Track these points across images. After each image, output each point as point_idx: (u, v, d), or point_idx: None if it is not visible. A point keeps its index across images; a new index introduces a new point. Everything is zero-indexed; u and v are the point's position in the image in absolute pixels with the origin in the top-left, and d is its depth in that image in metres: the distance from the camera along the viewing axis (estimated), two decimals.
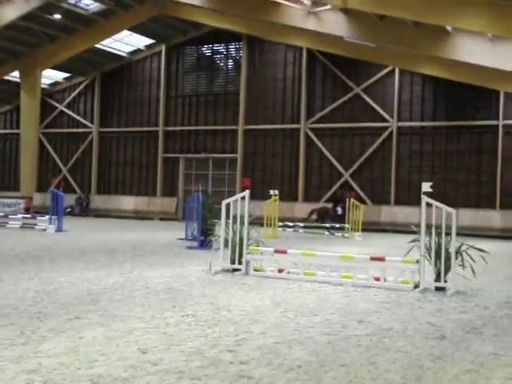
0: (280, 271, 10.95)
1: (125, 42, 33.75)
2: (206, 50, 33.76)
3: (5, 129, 38.15)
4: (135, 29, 31.63)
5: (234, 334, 6.32)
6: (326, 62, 30.01)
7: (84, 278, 10.01)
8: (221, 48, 33.41)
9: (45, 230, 21.10)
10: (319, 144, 30.10)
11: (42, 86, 35.65)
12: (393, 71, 28.77)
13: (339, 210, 25.91)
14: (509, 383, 4.91)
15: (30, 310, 7.14)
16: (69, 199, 31.88)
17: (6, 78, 35.30)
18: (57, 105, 36.87)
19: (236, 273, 11.09)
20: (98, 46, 32.77)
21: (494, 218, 26.42)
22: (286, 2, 23.36)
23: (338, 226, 24.36)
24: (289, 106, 31.13)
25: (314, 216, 26.23)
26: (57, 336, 5.93)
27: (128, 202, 34.29)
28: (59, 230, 20.92)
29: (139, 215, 33.28)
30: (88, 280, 9.76)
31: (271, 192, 22.84)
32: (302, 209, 29.57)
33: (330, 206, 27.06)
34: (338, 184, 29.56)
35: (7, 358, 5.11)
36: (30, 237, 18.69)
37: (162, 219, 32.61)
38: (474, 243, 10.36)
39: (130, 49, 34.62)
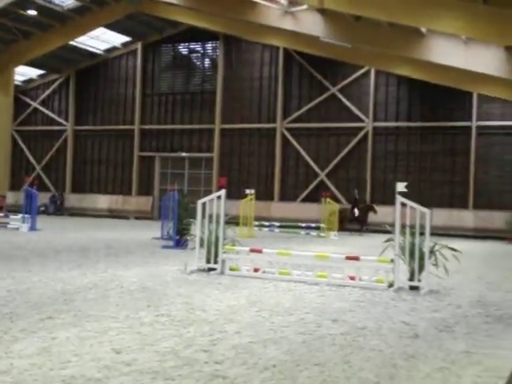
0: (255, 270, 10.96)
1: (100, 40, 33.48)
2: (182, 49, 33.63)
3: None
4: (111, 26, 31.39)
5: (209, 333, 6.31)
6: (302, 62, 30.10)
7: (57, 277, 9.91)
8: (197, 47, 33.31)
9: (18, 229, 20.84)
10: (295, 144, 30.18)
11: (16, 82, 35.21)
12: (368, 72, 28.96)
13: (356, 212, 25.86)
14: (480, 381, 4.97)
15: (2, 311, 7.04)
16: (43, 198, 31.55)
17: None
18: (31, 102, 36.45)
19: (211, 272, 11.07)
20: (73, 43, 32.46)
21: (467, 217, 26.73)
22: (263, 2, 23.37)
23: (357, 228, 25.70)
24: (265, 105, 31.15)
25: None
26: (29, 336, 5.86)
27: (103, 201, 34.03)
28: (33, 228, 20.68)
29: (114, 214, 33.05)
30: (61, 280, 9.66)
31: (247, 191, 22.85)
32: (278, 208, 29.63)
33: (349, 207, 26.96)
34: (314, 184, 29.66)
35: None
36: (3, 236, 18.44)
37: (137, 218, 32.44)
38: (447, 243, 10.48)
39: (105, 46, 34.35)
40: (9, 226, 21.61)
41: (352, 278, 10.22)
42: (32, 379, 4.55)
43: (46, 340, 5.74)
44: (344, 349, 5.86)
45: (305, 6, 22.18)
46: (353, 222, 25.89)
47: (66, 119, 35.59)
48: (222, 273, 11.06)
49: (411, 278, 9.91)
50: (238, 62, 31.90)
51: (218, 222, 11.42)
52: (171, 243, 16.38)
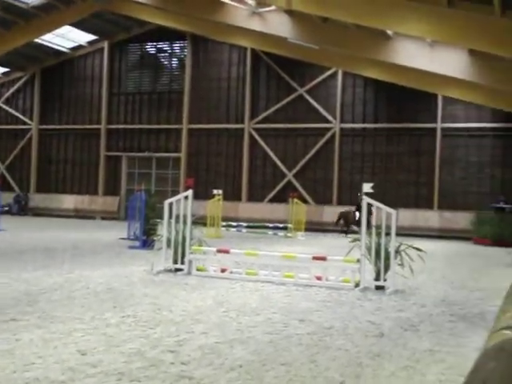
0: (223, 271, 10.95)
1: (66, 38, 33.05)
2: (150, 48, 33.42)
3: None
4: (77, 24, 31.01)
5: (176, 334, 6.28)
6: (270, 63, 30.17)
7: (21, 278, 9.76)
8: (165, 46, 33.13)
9: None
10: (263, 144, 30.24)
11: None
12: (336, 73, 29.17)
13: (357, 215, 25.31)
14: (443, 378, 5.06)
15: None
16: (7, 198, 31.03)
17: None
18: None
19: (178, 273, 11.03)
20: (38, 40, 31.98)
21: (432, 218, 27.11)
22: (231, 2, 23.36)
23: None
24: (233, 105, 31.14)
25: (342, 221, 25.33)
26: None
27: (69, 201, 33.62)
28: None
29: (80, 214, 32.68)
30: (26, 280, 9.52)
31: (215, 192, 22.81)
32: (246, 208, 29.65)
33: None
34: (282, 184, 29.76)
35: None
36: None
37: (103, 218, 32.12)
38: (412, 243, 10.62)
39: (71, 45, 33.92)
40: None
41: (319, 278, 10.28)
42: None
43: (9, 342, 5.65)
44: (310, 348, 5.89)
45: (272, 7, 22.23)
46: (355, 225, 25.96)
47: (31, 118, 35.06)
48: (189, 273, 11.02)
49: (377, 278, 10.01)
50: (206, 61, 31.83)
51: (185, 223, 11.39)
52: (138, 244, 16.27)
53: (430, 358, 5.73)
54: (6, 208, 31.46)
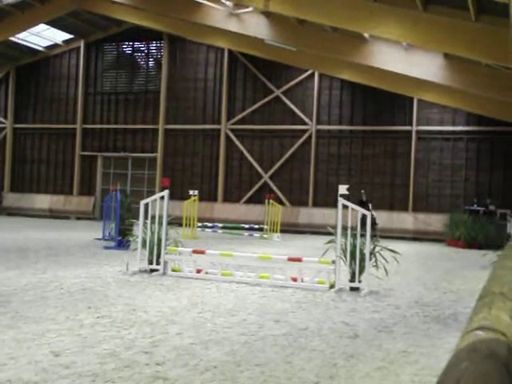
0: (198, 272, 10.93)
1: (42, 36, 32.70)
2: (126, 48, 33.21)
3: None
4: (53, 23, 30.71)
5: (150, 335, 6.26)
6: (247, 64, 30.19)
7: None
8: (142, 46, 32.95)
9: None
10: (239, 145, 30.23)
11: None
12: (312, 75, 29.28)
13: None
14: (417, 379, 5.10)
15: None
16: None
17: None
18: None
19: (154, 273, 10.98)
20: (13, 38, 31.59)
21: (407, 220, 27.35)
22: (208, 3, 23.34)
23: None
24: (210, 106, 31.09)
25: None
26: None
27: (43, 201, 33.26)
28: None
29: (55, 214, 32.34)
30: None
31: (191, 192, 22.76)
32: (222, 209, 29.63)
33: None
34: (258, 186, 29.79)
35: None
36: None
37: (78, 218, 31.84)
38: (387, 244, 10.71)
39: (47, 43, 33.57)
40: None
41: (294, 280, 10.31)
42: None
43: None
44: (285, 349, 5.91)
45: (250, 9, 22.26)
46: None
47: (5, 117, 34.62)
48: (165, 274, 10.98)
49: (352, 279, 10.08)
50: (183, 62, 31.73)
51: (160, 223, 11.35)
52: (113, 244, 16.16)
53: (404, 359, 5.78)
54: None
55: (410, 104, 27.75)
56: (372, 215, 19.27)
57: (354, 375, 5.14)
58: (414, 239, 26.03)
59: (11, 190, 34.26)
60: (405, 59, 20.75)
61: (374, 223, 18.92)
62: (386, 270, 10.21)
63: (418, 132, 27.85)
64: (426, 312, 8.41)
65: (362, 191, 22.15)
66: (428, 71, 20.57)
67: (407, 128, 27.96)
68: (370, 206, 20.19)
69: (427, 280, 12.21)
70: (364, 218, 16.97)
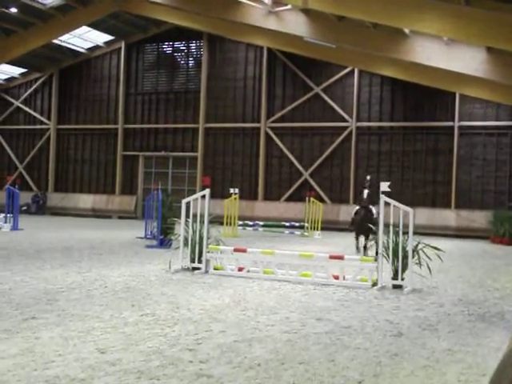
0: (240, 270, 10.97)
1: (84, 38, 33.24)
2: (166, 48, 33.51)
3: None
4: (94, 25, 31.19)
5: (194, 332, 6.30)
6: (286, 62, 30.14)
7: (40, 277, 9.84)
8: (181, 46, 33.20)
9: (0, 228, 20.66)
10: (279, 143, 30.21)
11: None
12: (352, 72, 29.07)
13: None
14: (463, 378, 5.02)
15: None
16: (25, 197, 31.29)
17: None
18: (13, 101, 36.11)
19: (196, 271, 11.06)
20: (56, 41, 32.20)
21: (449, 217, 26.93)
22: (247, 1, 23.37)
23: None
24: (249, 104, 31.15)
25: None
26: (12, 337, 5.82)
27: (86, 200, 33.82)
28: (15, 228, 20.51)
29: (97, 213, 32.86)
30: (44, 279, 9.60)
31: (231, 191, 22.84)
32: (262, 207, 29.65)
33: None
34: (298, 183, 29.72)
35: None
36: None
37: (120, 218, 32.28)
38: (430, 242, 10.57)
39: (88, 45, 34.12)
40: None
41: (336, 277, 10.26)
42: (15, 380, 4.52)
43: (29, 340, 5.71)
44: (328, 347, 5.89)
45: (289, 6, 22.21)
46: None
47: (49, 118, 35.31)
48: (207, 272, 11.05)
49: (394, 277, 9.97)
50: (222, 61, 31.86)
51: (202, 222, 11.41)
52: (155, 243, 16.34)
53: (450, 357, 5.69)
54: (25, 207, 31.73)
55: (451, 99, 27.31)
56: (367, 207, 15.65)
57: (398, 374, 5.09)
58: (457, 236, 25.62)
59: (55, 190, 34.92)
60: (446, 54, 20.41)
61: (368, 217, 15.53)
62: (429, 267, 10.07)
63: (460, 127, 27.39)
64: (470, 310, 8.27)
65: (368, 177, 17.56)
66: (470, 66, 20.19)
67: (449, 124, 27.52)
68: (366, 192, 16.11)
69: (471, 277, 12.00)
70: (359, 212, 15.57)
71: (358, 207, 16.58)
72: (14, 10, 28.32)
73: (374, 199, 15.35)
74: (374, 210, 15.63)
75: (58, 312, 7.06)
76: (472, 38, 17.11)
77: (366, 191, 16.20)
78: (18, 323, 6.42)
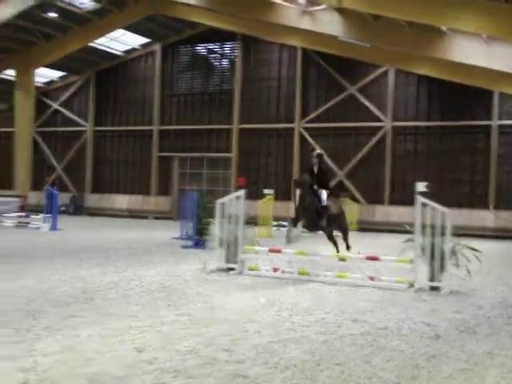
0: (275, 270, 10.97)
1: (120, 41, 33.68)
2: (201, 49, 33.73)
3: (1, 127, 38.00)
4: (130, 28, 31.58)
5: (229, 333, 6.33)
6: (320, 62, 30.04)
7: (78, 276, 10.00)
8: (216, 47, 33.39)
9: (39, 228, 21.05)
10: (313, 143, 30.14)
11: (37, 84, 35.57)
12: (388, 71, 28.83)
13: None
14: (503, 382, 4.94)
15: (25, 309, 7.13)
16: (63, 198, 31.80)
17: (1, 76, 35.21)
18: (52, 103, 36.75)
19: (231, 272, 11.09)
20: (92, 44, 32.69)
21: (487, 217, 26.50)
22: (281, 2, 23.38)
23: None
24: (283, 105, 31.13)
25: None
26: (52, 334, 5.93)
27: (122, 201, 34.23)
28: (53, 228, 20.87)
29: (133, 214, 33.22)
30: (82, 278, 9.74)
31: (266, 191, 22.84)
32: None
33: None
34: (332, 184, 29.58)
35: (3, 356, 5.11)
36: (24, 235, 18.64)
37: (156, 218, 32.57)
38: (467, 243, 10.40)
39: (124, 48, 34.54)
40: (30, 225, 21.83)
41: (371, 279, 10.19)
42: (58, 376, 4.61)
43: (69, 338, 5.81)
44: (365, 349, 5.85)
45: (323, 6, 22.14)
46: None
47: (86, 120, 35.85)
48: (242, 272, 11.08)
49: (432, 279, 9.84)
50: (256, 61, 31.93)
51: (236, 222, 11.44)
52: (190, 243, 16.44)
53: (489, 361, 5.60)
54: (63, 208, 32.24)
55: (489, 98, 26.86)
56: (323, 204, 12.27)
57: (436, 376, 5.03)
58: (495, 237, 25.18)
59: (92, 191, 35.41)
60: (485, 52, 20.11)
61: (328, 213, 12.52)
62: (467, 269, 9.92)
63: (500, 126, 26.92)
64: (510, 313, 8.12)
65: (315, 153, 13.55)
66: (510, 63, 19.85)
67: (487, 123, 27.08)
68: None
69: (511, 280, 11.78)
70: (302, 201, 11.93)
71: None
72: (53, 14, 28.84)
73: (324, 183, 12.70)
74: (323, 197, 12.39)
75: (95, 311, 7.17)
76: (510, 36, 16.83)
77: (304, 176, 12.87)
78: (58, 321, 6.53)
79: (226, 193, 22.49)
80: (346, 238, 13.60)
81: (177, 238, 18.46)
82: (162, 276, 10.43)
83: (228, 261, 11.32)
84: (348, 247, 13.39)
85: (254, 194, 26.24)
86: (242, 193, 11.36)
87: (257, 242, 12.34)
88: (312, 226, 12.81)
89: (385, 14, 19.17)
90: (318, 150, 13.73)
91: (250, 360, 5.31)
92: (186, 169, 33.70)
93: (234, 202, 11.48)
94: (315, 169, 12.82)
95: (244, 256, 11.28)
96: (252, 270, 11.14)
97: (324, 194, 12.35)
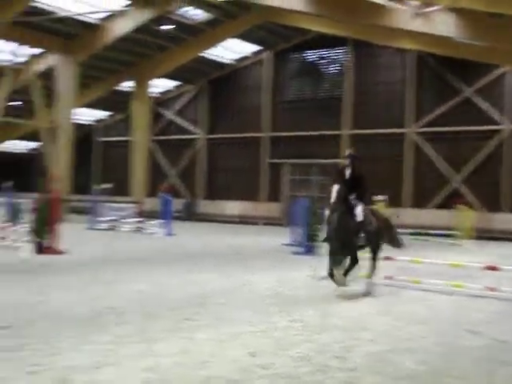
0: (388, 278, 10.74)
1: (230, 50, 34.39)
2: (311, 56, 33.77)
3: (118, 136, 39.84)
4: (241, 36, 32.15)
5: (342, 340, 6.27)
6: (434, 64, 29.18)
7: (192, 280, 10.26)
8: (326, 53, 33.31)
9: (155, 233, 21.81)
10: (427, 148, 29.30)
11: (153, 94, 36.99)
12: (506, 72, 27.54)
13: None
14: None
15: (142, 311, 7.41)
16: (177, 204, 32.82)
17: (119, 88, 36.92)
18: (167, 113, 38.10)
19: None
20: (204, 54, 33.57)
21: None
22: (392, 5, 22.96)
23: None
24: (395, 109, 30.49)
25: None
26: (169, 336, 6.13)
27: (233, 207, 34.83)
28: (168, 233, 21.57)
29: (243, 220, 33.72)
30: (196, 283, 10.00)
31: (378, 197, 22.45)
32: (409, 214, 28.87)
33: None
34: (447, 190, 28.60)
35: (127, 355, 5.35)
36: (141, 240, 19.42)
37: (266, 224, 32.88)
38: None
39: (235, 56, 35.22)
40: (146, 231, 22.65)
41: (491, 289, 9.73)
42: (175, 377, 4.76)
43: (185, 340, 5.98)
44: (485, 362, 5.60)
45: (437, 7, 21.53)
46: None
47: (199, 128, 36.85)
48: (354, 280, 10.92)
49: None
50: (367, 66, 31.49)
51: None
52: (301, 249, 16.44)
53: None
54: (177, 214, 33.27)
55: None
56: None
57: None
58: None
59: (205, 198, 36.32)
60: None
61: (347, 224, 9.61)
62: None
63: None
64: None
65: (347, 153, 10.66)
66: None
67: None
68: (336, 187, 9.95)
69: None
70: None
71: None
72: (168, 27, 29.87)
73: (359, 193, 10.04)
74: (358, 211, 9.79)
75: (209, 315, 7.33)
76: None
77: (335, 187, 9.88)
78: (175, 324, 6.75)
79: None
80: (373, 259, 10.13)
81: (287, 245, 18.52)
82: (272, 282, 10.50)
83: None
84: (347, 272, 9.85)
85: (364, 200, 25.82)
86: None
87: None
88: (343, 250, 9.67)
89: (503, 11, 18.35)
90: (351, 150, 10.80)
91: (363, 368, 5.24)
92: (296, 175, 33.80)
93: None
94: (347, 173, 10.18)
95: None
96: (366, 277, 10.95)
97: (359, 206, 9.83)
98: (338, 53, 32.77)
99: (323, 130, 32.45)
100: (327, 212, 10.01)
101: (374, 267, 10.00)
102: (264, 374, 4.92)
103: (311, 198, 22.16)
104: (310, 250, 16.00)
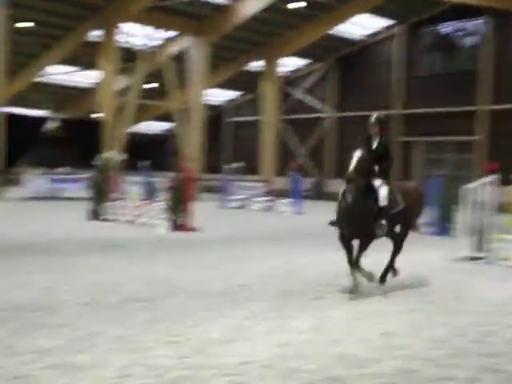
0: None
1: (360, 25, 33.70)
2: (444, 28, 32.36)
3: (248, 116, 40.50)
4: (371, 11, 31.37)
5: (480, 324, 6.05)
6: None
7: (325, 259, 10.26)
8: (461, 25, 31.78)
9: (284, 212, 22.06)
10: None
11: (282, 73, 37.15)
12: None
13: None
14: None
15: (276, 288, 7.55)
16: (306, 183, 32.93)
17: (248, 68, 37.42)
18: (296, 91, 38.18)
19: (479, 261, 10.55)
20: (332, 31, 33.13)
21: None
22: None
23: None
24: None
25: None
26: (302, 314, 6.22)
27: None
28: (297, 212, 21.73)
29: None
30: (330, 262, 9.99)
31: None
32: None
33: None
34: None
35: (263, 331, 5.51)
36: (271, 218, 19.73)
37: None
38: None
39: (365, 32, 34.51)
40: (276, 209, 22.94)
41: None
42: (310, 353, 4.84)
43: (317, 318, 6.03)
44: None
45: None
46: None
47: (329, 106, 36.60)
48: (492, 262, 10.47)
49: None
50: (508, 37, 29.68)
51: (485, 209, 10.83)
52: (435, 230, 15.96)
53: None
54: (306, 193, 33.39)
55: None
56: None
57: None
58: None
59: (335, 177, 36.14)
60: None
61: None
62: None
63: None
64: None
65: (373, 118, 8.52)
66: None
67: None
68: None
69: None
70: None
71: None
72: (298, 5, 29.66)
73: (384, 168, 8.24)
74: (383, 193, 7.93)
75: (342, 293, 7.33)
76: None
77: (357, 153, 8.23)
78: (307, 302, 6.83)
79: (468, 178, 21.42)
80: (394, 253, 8.68)
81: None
82: (406, 263, 10.27)
83: (476, 249, 10.79)
84: (383, 277, 8.23)
85: (504, 180, 24.55)
86: (492, 178, 10.73)
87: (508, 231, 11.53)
88: (363, 237, 8.00)
89: None
90: (378, 113, 8.57)
91: (504, 354, 5.03)
92: (430, 153, 32.73)
93: (483, 188, 10.88)
94: (374, 143, 8.32)
95: (494, 245, 10.64)
96: (504, 260, 10.47)
97: (384, 187, 7.93)
98: (473, 24, 31.15)
99: (457, 106, 31.07)
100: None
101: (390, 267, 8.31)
102: (398, 355, 4.86)
103: (446, 177, 21.38)
104: (444, 231, 15.50)
